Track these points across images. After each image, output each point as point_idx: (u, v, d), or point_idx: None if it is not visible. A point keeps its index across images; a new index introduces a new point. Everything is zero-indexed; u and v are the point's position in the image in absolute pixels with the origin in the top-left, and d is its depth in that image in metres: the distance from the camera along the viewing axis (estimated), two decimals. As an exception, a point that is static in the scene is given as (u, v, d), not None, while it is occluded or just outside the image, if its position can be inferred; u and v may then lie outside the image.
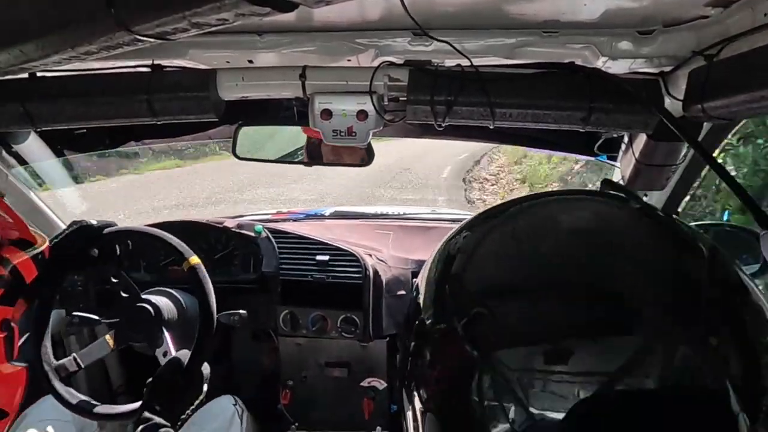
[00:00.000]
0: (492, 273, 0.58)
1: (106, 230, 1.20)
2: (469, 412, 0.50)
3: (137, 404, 1.14)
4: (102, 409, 1.17)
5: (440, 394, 0.55)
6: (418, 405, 0.57)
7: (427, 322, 0.59)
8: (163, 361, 1.22)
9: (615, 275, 0.52)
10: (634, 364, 0.46)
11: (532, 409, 0.47)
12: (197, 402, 1.12)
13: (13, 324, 1.06)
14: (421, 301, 0.63)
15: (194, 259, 1.20)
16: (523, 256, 0.57)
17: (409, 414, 0.60)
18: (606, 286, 0.51)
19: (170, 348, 1.24)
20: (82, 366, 1.21)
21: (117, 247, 1.26)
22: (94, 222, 1.20)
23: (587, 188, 1.13)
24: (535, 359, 0.48)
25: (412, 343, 0.61)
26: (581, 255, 0.54)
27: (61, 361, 1.20)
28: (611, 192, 0.71)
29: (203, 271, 1.21)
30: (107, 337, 1.23)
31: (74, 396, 1.17)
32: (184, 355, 1.15)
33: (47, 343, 1.20)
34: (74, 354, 1.22)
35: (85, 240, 1.18)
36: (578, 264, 0.53)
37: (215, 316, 1.20)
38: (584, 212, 0.62)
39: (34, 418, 1.23)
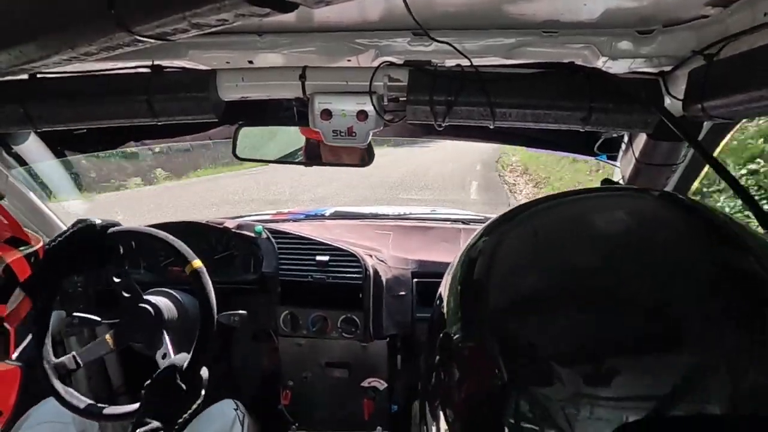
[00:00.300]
0: (527, 283, 0.52)
1: (110, 230, 1.20)
2: None
3: (117, 410, 1.14)
4: (109, 410, 1.16)
5: (469, 415, 0.50)
6: (443, 425, 0.52)
7: (455, 336, 0.54)
8: (162, 363, 1.21)
9: (665, 284, 0.45)
10: (691, 385, 0.40)
11: None
12: (195, 406, 1.12)
13: (6, 325, 1.06)
14: (445, 311, 0.58)
15: (197, 263, 1.20)
16: (559, 262, 0.51)
17: (433, 429, 0.56)
18: (656, 297, 0.45)
19: (170, 350, 1.24)
20: (81, 364, 1.21)
21: (120, 247, 1.26)
22: (98, 221, 1.20)
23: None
24: (576, 381, 0.43)
25: (437, 357, 0.57)
26: (625, 260, 0.48)
27: (60, 359, 1.20)
28: (662, 191, 0.65)
29: (206, 276, 1.21)
30: (107, 336, 1.23)
31: (81, 400, 1.17)
32: (183, 359, 1.15)
33: (47, 341, 1.20)
34: (73, 352, 1.22)
35: (88, 239, 1.17)
36: (623, 270, 0.47)
37: (216, 318, 1.20)
38: (623, 211, 0.56)
39: (35, 419, 1.23)
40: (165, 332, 1.25)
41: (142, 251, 1.65)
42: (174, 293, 1.42)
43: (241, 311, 1.40)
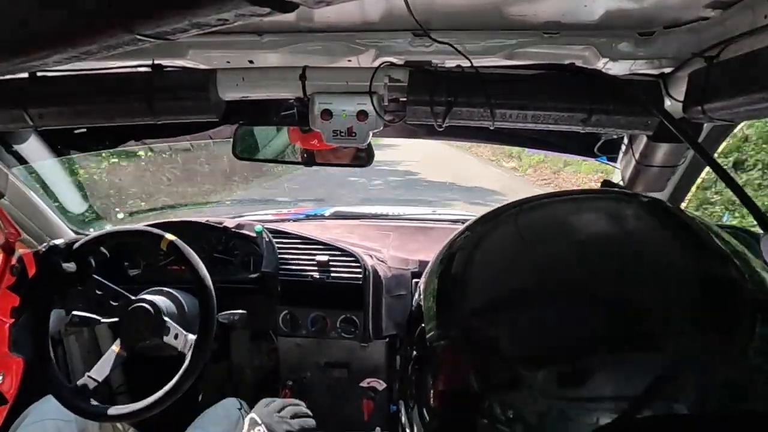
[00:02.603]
0: (501, 281, 0.52)
1: (75, 246, 1.20)
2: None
3: (147, 401, 1.14)
4: (114, 410, 1.17)
5: (441, 414, 0.51)
6: (416, 418, 0.53)
7: (430, 332, 0.54)
8: (176, 344, 1.23)
9: (638, 282, 0.46)
10: (663, 385, 0.40)
11: None
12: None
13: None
14: (423, 306, 0.58)
15: (169, 236, 1.21)
16: (535, 262, 0.51)
17: (404, 420, 0.56)
18: (628, 295, 0.45)
19: (180, 330, 1.24)
20: (100, 380, 1.22)
21: (91, 259, 1.25)
22: (59, 242, 1.20)
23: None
24: (546, 381, 0.43)
25: (414, 352, 0.57)
26: (599, 260, 0.48)
27: (80, 383, 1.20)
28: (622, 191, 0.67)
29: (183, 246, 1.22)
30: (114, 347, 1.23)
31: (88, 403, 1.17)
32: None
33: (50, 349, 1.20)
34: (86, 374, 1.22)
35: (54, 264, 1.18)
36: (596, 270, 0.47)
37: (215, 314, 1.20)
38: (600, 213, 0.56)
39: (37, 416, 1.23)
40: (167, 318, 1.25)
41: (141, 252, 1.66)
42: (172, 291, 1.42)
43: (240, 311, 1.40)
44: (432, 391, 0.52)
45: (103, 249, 1.33)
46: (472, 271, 0.56)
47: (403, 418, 0.57)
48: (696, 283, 0.47)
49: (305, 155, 1.46)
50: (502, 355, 0.46)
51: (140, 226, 1.24)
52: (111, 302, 1.29)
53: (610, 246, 0.50)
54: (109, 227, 1.33)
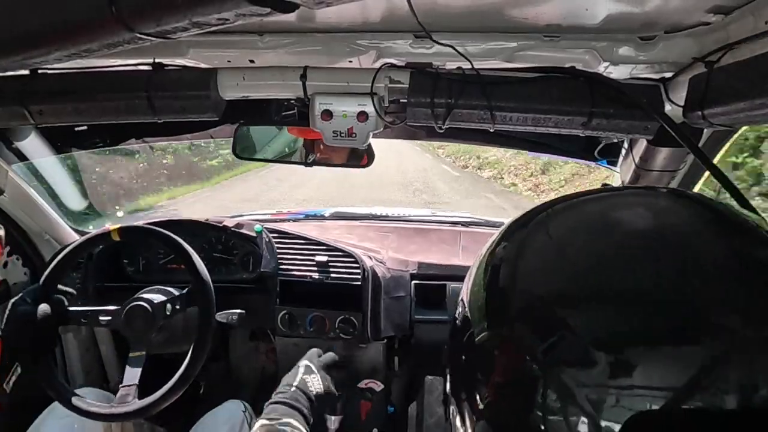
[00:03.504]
0: (553, 281, 0.53)
1: (42, 283, 1.19)
2: (530, 427, 0.47)
3: (146, 402, 1.13)
4: (113, 410, 1.16)
5: (499, 410, 0.52)
6: (475, 424, 0.54)
7: (480, 335, 0.55)
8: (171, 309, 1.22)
9: (687, 277, 0.47)
10: (708, 376, 0.42)
11: (599, 424, 0.43)
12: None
13: None
14: (469, 313, 0.59)
15: (113, 227, 1.22)
16: (584, 259, 0.52)
17: (460, 424, 0.57)
18: (678, 291, 0.46)
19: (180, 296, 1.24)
20: (137, 382, 1.20)
21: (64, 296, 1.23)
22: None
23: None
24: (602, 371, 0.44)
25: (463, 358, 0.58)
26: (647, 256, 0.49)
27: (121, 393, 1.17)
28: (673, 188, 0.67)
29: (133, 225, 1.24)
30: (132, 354, 1.21)
31: (87, 403, 1.16)
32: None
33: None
34: (120, 386, 1.19)
35: (27, 317, 1.14)
36: (645, 266, 0.48)
37: (214, 309, 1.20)
38: (649, 209, 0.57)
39: (58, 413, 1.23)
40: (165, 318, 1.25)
41: (141, 252, 1.66)
42: (172, 290, 1.42)
43: (239, 310, 1.40)
44: (490, 390, 0.53)
45: (72, 273, 1.30)
46: (523, 273, 0.57)
47: (459, 422, 0.58)
48: (746, 273, 0.48)
49: (305, 156, 1.46)
50: (557, 348, 0.48)
51: (82, 238, 1.23)
52: (109, 301, 1.28)
53: (657, 240, 0.51)
54: (109, 225, 1.33)
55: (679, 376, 0.42)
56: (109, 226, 1.23)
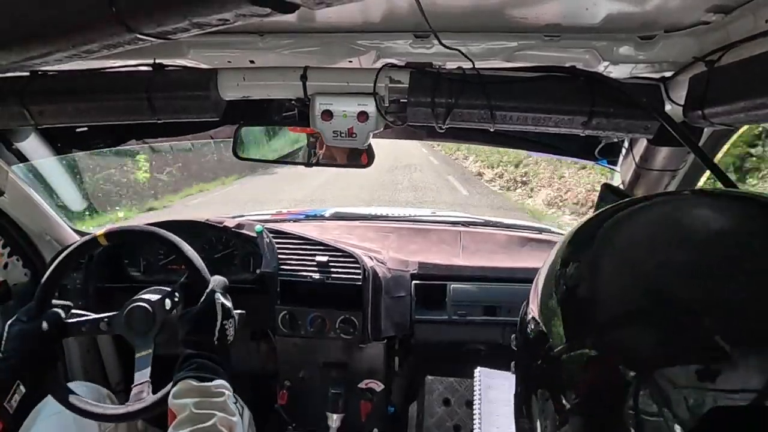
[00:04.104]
0: (635, 292, 0.53)
1: (36, 300, 1.17)
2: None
3: (146, 402, 1.13)
4: (112, 410, 1.16)
5: (590, 420, 0.52)
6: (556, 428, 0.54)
7: (559, 347, 0.55)
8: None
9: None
10: None
11: (693, 426, 0.44)
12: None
13: None
14: (545, 326, 0.58)
15: (99, 232, 1.20)
16: (666, 265, 0.52)
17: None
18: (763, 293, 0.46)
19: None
20: (149, 379, 1.18)
21: (61, 310, 1.21)
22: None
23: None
24: (694, 375, 0.45)
25: (542, 371, 0.58)
26: (729, 262, 0.49)
27: (135, 391, 1.15)
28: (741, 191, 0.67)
29: (121, 227, 1.23)
30: (138, 354, 1.19)
31: (86, 403, 1.16)
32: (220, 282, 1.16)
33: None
34: (132, 385, 1.17)
35: (26, 334, 1.12)
36: (727, 272, 0.49)
37: (219, 311, 1.19)
38: (716, 213, 0.57)
39: (46, 412, 1.22)
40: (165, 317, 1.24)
41: (141, 252, 1.66)
42: (173, 290, 1.41)
43: (239, 310, 1.40)
44: (575, 402, 0.53)
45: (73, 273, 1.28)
46: (600, 280, 0.56)
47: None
48: None
49: (306, 156, 1.46)
50: (647, 362, 0.48)
51: (79, 241, 1.22)
52: (110, 302, 1.28)
53: (735, 248, 0.51)
54: (109, 225, 1.33)
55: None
56: (96, 231, 1.22)
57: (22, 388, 1.11)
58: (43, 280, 1.18)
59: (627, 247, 0.57)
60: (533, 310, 0.62)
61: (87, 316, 1.25)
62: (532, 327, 0.62)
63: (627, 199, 0.63)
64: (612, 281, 0.55)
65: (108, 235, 1.20)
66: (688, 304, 0.48)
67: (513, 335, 0.70)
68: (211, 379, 0.96)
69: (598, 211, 0.64)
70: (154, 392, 1.13)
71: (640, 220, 0.60)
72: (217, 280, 1.16)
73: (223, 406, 0.93)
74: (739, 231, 0.53)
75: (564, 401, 0.54)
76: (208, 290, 1.11)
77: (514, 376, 0.69)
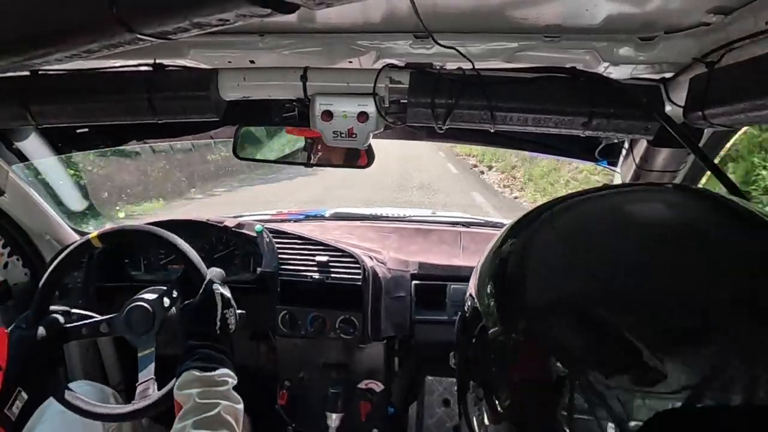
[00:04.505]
0: (567, 275, 0.52)
1: (35, 308, 1.16)
2: (546, 424, 0.47)
3: (146, 402, 1.13)
4: (112, 410, 1.16)
5: (518, 406, 0.52)
6: (490, 416, 0.54)
7: (493, 329, 0.54)
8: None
9: (702, 276, 0.46)
10: (723, 376, 0.42)
11: (617, 424, 0.43)
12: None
13: None
14: (480, 307, 0.58)
15: (93, 234, 1.20)
16: (600, 256, 0.51)
17: (475, 422, 0.57)
18: (694, 290, 0.46)
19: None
20: (154, 377, 1.17)
21: (59, 315, 1.20)
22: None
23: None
24: (622, 371, 0.44)
25: (474, 352, 0.58)
26: (662, 253, 0.48)
27: (140, 389, 1.15)
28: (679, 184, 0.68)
29: (113, 228, 1.23)
30: (140, 353, 1.19)
31: (86, 402, 1.15)
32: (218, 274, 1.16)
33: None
34: (137, 384, 1.16)
35: (26, 342, 1.12)
36: (660, 264, 0.48)
37: (218, 301, 1.19)
38: (658, 204, 0.56)
39: (52, 411, 1.22)
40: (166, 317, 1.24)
41: (141, 251, 1.66)
42: (173, 290, 1.41)
43: (239, 310, 1.40)
44: (505, 385, 0.53)
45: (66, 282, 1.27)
46: (533, 268, 0.56)
47: (474, 417, 0.58)
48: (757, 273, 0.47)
49: (306, 156, 1.46)
50: (574, 346, 0.48)
51: (73, 244, 1.22)
52: (111, 302, 1.28)
53: (671, 237, 0.50)
54: (109, 225, 1.33)
55: (706, 375, 0.42)
56: (90, 234, 1.22)
57: (23, 394, 1.11)
58: (40, 286, 1.18)
59: (566, 233, 0.57)
60: (471, 288, 0.62)
61: (87, 318, 1.25)
62: (468, 305, 0.62)
63: (580, 190, 0.64)
64: (546, 265, 0.55)
65: (101, 236, 1.20)
66: (620, 297, 0.47)
67: (451, 353, 0.70)
68: (215, 369, 0.96)
69: (546, 201, 0.64)
70: (132, 391, 1.13)
71: (584, 207, 0.60)
72: (213, 272, 1.16)
73: (227, 395, 0.93)
74: (683, 223, 0.52)
75: (494, 387, 0.54)
76: (205, 282, 1.11)
77: None
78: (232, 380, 0.97)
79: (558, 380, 0.47)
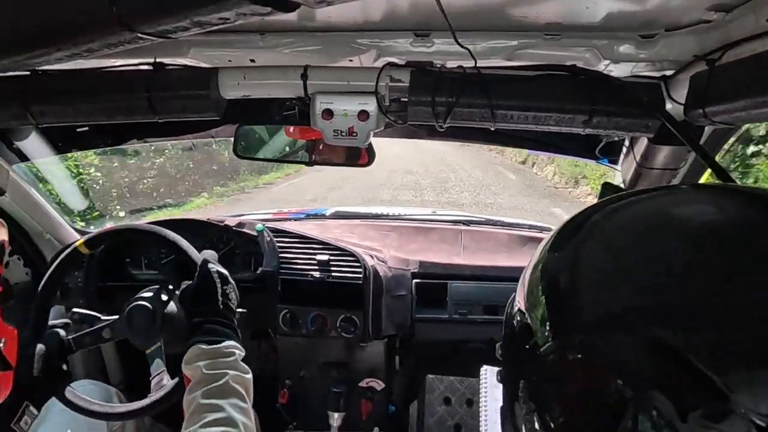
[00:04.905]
0: (627, 289, 0.47)
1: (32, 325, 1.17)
2: None
3: (146, 401, 1.13)
4: (112, 409, 1.16)
5: (570, 426, 0.48)
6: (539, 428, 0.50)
7: (546, 348, 0.50)
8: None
9: None
10: None
11: None
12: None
13: None
14: (532, 324, 0.53)
15: (79, 241, 1.20)
16: (663, 268, 0.46)
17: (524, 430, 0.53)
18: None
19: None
20: (165, 369, 1.17)
21: (60, 331, 1.18)
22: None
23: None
24: (687, 398, 0.40)
25: (525, 369, 0.54)
26: (740, 263, 0.44)
27: (154, 382, 1.14)
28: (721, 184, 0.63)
29: (94, 233, 1.22)
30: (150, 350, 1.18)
31: (86, 402, 1.15)
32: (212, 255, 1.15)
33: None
34: (151, 378, 1.15)
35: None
36: (739, 277, 0.43)
37: (216, 278, 1.19)
38: (718, 205, 0.52)
39: (57, 408, 1.22)
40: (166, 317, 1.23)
41: (141, 251, 1.66)
42: (174, 290, 1.41)
43: (240, 309, 1.40)
44: (564, 403, 0.49)
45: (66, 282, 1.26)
46: (590, 280, 0.51)
47: (524, 426, 0.54)
48: None
49: (306, 155, 1.46)
50: (638, 364, 0.44)
51: (61, 255, 1.22)
52: (111, 302, 1.28)
53: (726, 240, 0.46)
54: (110, 224, 1.32)
55: None
56: (76, 242, 1.22)
57: (33, 409, 1.11)
58: (36, 301, 1.18)
59: (622, 242, 0.52)
60: (520, 302, 0.58)
61: (88, 318, 1.25)
62: (518, 319, 0.58)
63: (621, 193, 0.60)
64: (601, 273, 0.51)
65: (87, 242, 1.20)
66: (685, 315, 0.43)
67: (498, 344, 0.66)
68: (221, 341, 0.96)
69: (591, 204, 0.60)
70: (141, 391, 1.13)
71: (633, 211, 0.56)
72: (207, 253, 1.16)
73: (234, 365, 0.93)
74: (741, 224, 0.48)
75: (548, 405, 0.50)
76: (200, 263, 1.11)
77: None
78: (240, 351, 0.97)
79: (617, 402, 0.43)
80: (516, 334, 0.58)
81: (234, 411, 0.85)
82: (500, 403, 0.65)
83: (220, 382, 0.88)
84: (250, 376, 0.94)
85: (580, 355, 0.48)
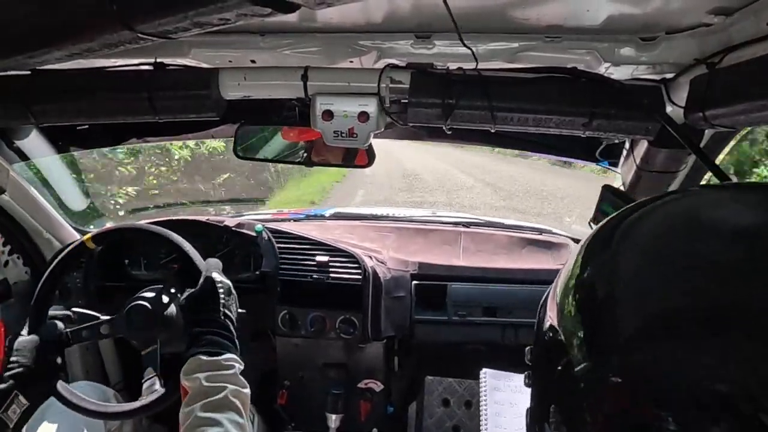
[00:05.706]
0: (667, 305, 0.43)
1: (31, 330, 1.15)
2: None
3: (147, 401, 1.13)
4: (112, 408, 1.16)
5: None
6: None
7: (582, 367, 0.46)
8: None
9: None
10: None
11: None
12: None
13: None
14: (565, 340, 0.50)
15: (86, 236, 1.20)
16: (722, 271, 0.42)
17: None
18: None
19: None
20: (158, 373, 1.17)
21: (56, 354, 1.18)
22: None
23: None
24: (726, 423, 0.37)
25: (560, 389, 0.51)
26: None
27: (146, 385, 1.15)
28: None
29: (102, 229, 1.23)
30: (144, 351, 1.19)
31: (85, 401, 1.15)
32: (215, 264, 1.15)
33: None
34: (143, 381, 1.16)
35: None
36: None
37: (219, 289, 1.19)
38: (740, 207, 0.48)
39: (55, 408, 1.22)
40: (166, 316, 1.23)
41: (142, 251, 1.66)
42: (173, 289, 1.41)
43: (240, 310, 1.39)
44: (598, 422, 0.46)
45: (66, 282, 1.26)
46: (628, 295, 0.47)
47: None
48: None
49: (306, 155, 1.46)
50: (687, 387, 0.40)
51: (68, 248, 1.22)
52: (111, 301, 1.28)
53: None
54: (110, 224, 1.33)
55: None
56: (84, 237, 1.22)
57: (22, 399, 1.10)
58: (37, 292, 1.18)
59: (657, 255, 0.47)
60: (552, 317, 0.54)
61: (88, 318, 1.25)
62: (551, 335, 0.53)
63: (651, 197, 0.55)
64: (641, 294, 0.46)
65: (95, 237, 1.20)
66: (744, 322, 0.38)
67: (528, 348, 0.63)
68: (221, 354, 0.96)
69: (621, 209, 0.55)
70: (131, 390, 1.12)
71: (669, 214, 0.51)
72: (211, 262, 1.16)
73: (233, 379, 0.93)
74: None
75: (580, 423, 0.47)
76: (204, 272, 1.11)
77: (518, 377, 0.65)
78: (239, 365, 0.97)
79: (654, 426, 0.41)
80: (549, 353, 0.55)
81: (231, 427, 0.84)
82: (501, 406, 0.64)
83: (219, 396, 0.88)
84: (248, 390, 0.94)
85: (620, 379, 0.43)
